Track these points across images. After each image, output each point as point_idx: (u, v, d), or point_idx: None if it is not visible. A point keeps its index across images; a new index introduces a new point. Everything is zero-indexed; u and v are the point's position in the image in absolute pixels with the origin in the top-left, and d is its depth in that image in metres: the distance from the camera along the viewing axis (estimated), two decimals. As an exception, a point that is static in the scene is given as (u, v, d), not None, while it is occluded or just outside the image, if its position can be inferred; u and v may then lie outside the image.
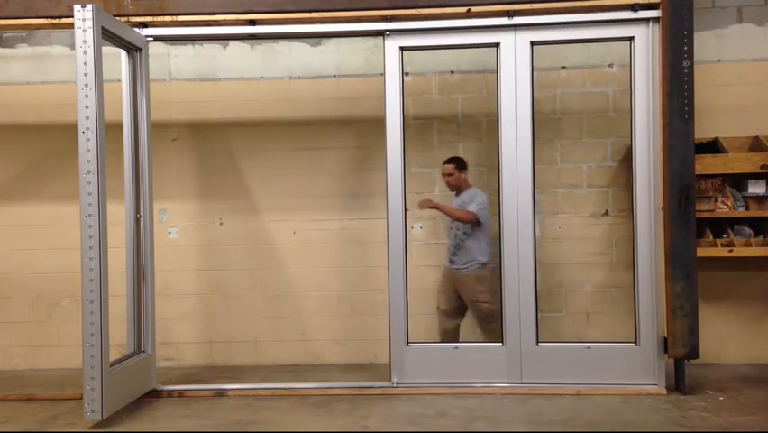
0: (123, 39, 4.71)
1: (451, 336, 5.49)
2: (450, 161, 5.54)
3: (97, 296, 4.21)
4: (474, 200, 5.39)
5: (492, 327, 5.27)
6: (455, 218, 5.41)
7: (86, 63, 4.25)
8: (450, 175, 5.49)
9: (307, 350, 5.85)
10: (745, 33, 5.72)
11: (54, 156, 6.00)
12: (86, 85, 4.23)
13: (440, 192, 5.87)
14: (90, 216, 4.21)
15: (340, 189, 5.90)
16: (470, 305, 5.45)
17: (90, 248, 4.21)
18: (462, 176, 5.51)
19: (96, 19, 4.26)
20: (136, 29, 4.88)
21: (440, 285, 5.62)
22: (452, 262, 5.47)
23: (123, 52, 4.86)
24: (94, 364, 4.19)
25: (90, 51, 4.24)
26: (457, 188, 5.54)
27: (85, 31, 4.25)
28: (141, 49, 4.90)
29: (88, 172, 4.22)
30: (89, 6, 4.26)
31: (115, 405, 4.40)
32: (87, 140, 4.22)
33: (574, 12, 4.81)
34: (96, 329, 4.20)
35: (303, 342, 5.85)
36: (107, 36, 4.51)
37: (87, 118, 4.22)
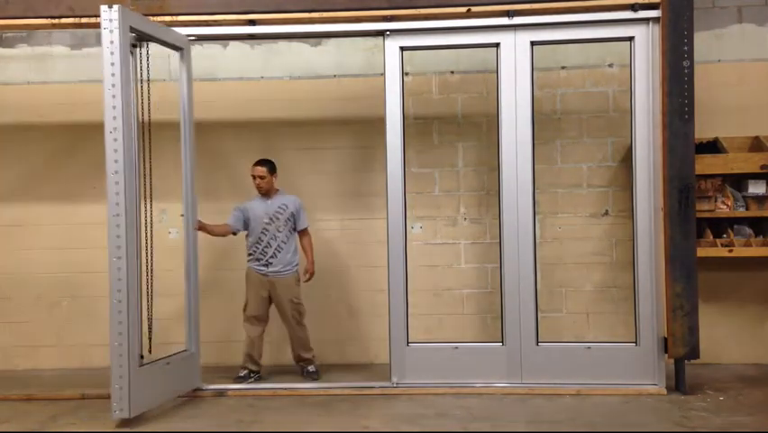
0: (159, 39, 4.73)
1: (256, 342, 5.33)
2: (261, 162, 5.32)
3: (125, 295, 4.25)
4: (299, 212, 5.36)
5: (304, 328, 5.33)
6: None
7: (113, 64, 4.30)
8: (262, 178, 5.30)
9: (307, 350, 5.85)
10: (745, 33, 5.72)
11: (54, 156, 6.00)
12: (114, 85, 4.29)
13: (440, 192, 5.87)
14: (118, 215, 4.25)
15: (340, 189, 5.90)
16: (288, 305, 5.30)
17: (118, 247, 4.25)
18: (274, 179, 5.36)
19: (122, 19, 4.32)
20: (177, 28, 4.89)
21: (251, 292, 5.33)
22: (267, 265, 5.29)
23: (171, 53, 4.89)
24: (122, 363, 4.23)
25: (117, 52, 4.29)
26: (267, 193, 5.36)
27: (111, 31, 4.30)
28: (182, 48, 4.90)
29: (116, 172, 4.26)
30: (116, 7, 4.30)
31: (146, 404, 4.42)
32: (115, 140, 4.27)
33: (574, 12, 4.81)
34: (124, 328, 4.24)
35: (303, 342, 5.85)
36: (142, 36, 4.58)
37: (115, 118, 4.28)
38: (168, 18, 4.88)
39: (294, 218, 5.37)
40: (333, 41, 5.89)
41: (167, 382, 4.66)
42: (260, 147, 5.85)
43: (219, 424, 4.33)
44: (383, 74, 4.97)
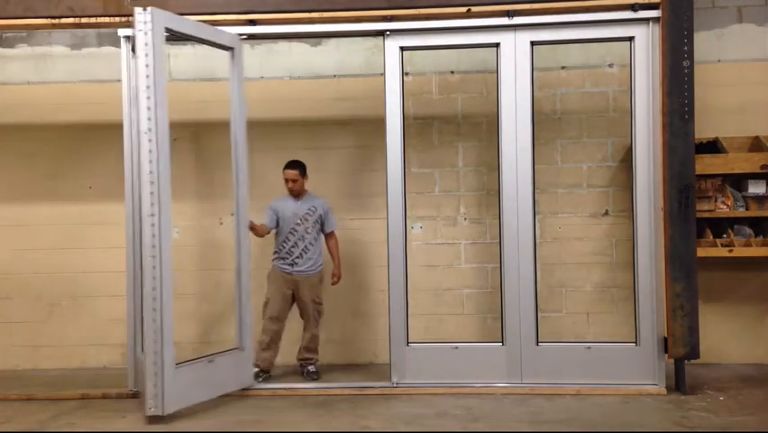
0: (204, 39, 4.78)
1: (274, 342, 5.32)
2: (293, 165, 5.34)
3: (159, 294, 4.33)
4: (328, 214, 5.41)
5: (319, 328, 5.40)
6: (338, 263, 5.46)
7: (147, 66, 4.35)
8: (294, 181, 5.33)
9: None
10: (745, 33, 5.72)
11: (54, 156, 6.01)
12: (148, 87, 4.34)
13: (440, 192, 5.87)
14: (153, 215, 4.35)
15: (340, 189, 5.90)
16: (311, 305, 5.34)
17: (153, 247, 4.34)
18: (305, 181, 5.40)
19: (156, 21, 4.37)
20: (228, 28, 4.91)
21: (274, 292, 5.33)
22: (292, 264, 5.31)
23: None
24: (156, 361, 4.32)
25: (152, 54, 4.34)
26: (299, 195, 5.39)
27: (146, 33, 4.35)
28: (233, 48, 4.91)
29: (150, 173, 4.35)
30: (150, 9, 4.35)
31: (184, 401, 4.47)
32: (150, 141, 4.34)
33: (574, 12, 4.81)
34: (158, 327, 4.32)
35: (303, 342, 5.85)
36: (181, 37, 4.64)
37: (150, 119, 4.34)
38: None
39: (322, 220, 5.41)
40: (333, 41, 5.89)
41: (210, 380, 4.69)
42: (260, 147, 5.85)
43: (219, 424, 4.33)
44: (383, 74, 4.97)
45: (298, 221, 5.33)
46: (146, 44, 4.35)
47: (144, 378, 4.40)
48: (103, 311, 5.95)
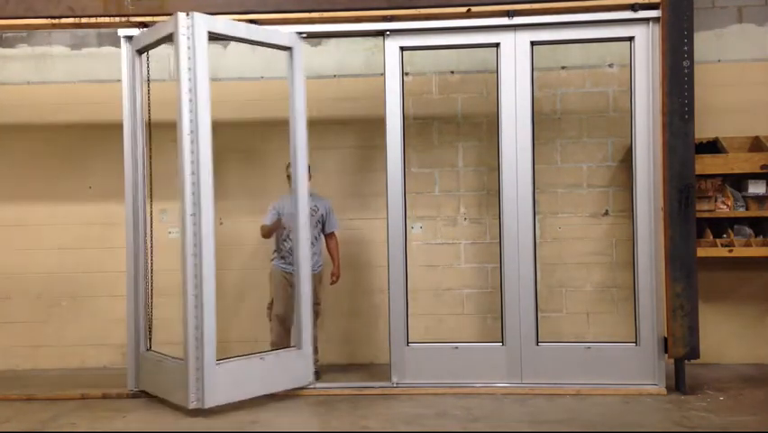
0: (256, 41, 4.84)
1: (285, 342, 5.28)
2: None
3: (200, 291, 4.44)
4: (330, 214, 5.41)
5: (316, 328, 5.33)
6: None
7: (190, 69, 4.48)
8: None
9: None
10: (745, 33, 5.72)
11: (54, 156, 6.01)
12: (190, 90, 4.48)
13: (440, 192, 5.87)
14: (194, 215, 4.46)
15: (340, 189, 5.90)
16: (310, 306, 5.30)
17: (195, 245, 4.44)
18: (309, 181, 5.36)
19: (197, 26, 4.48)
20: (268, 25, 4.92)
21: (278, 291, 5.35)
22: (293, 264, 5.21)
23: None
24: (198, 356, 4.44)
25: (194, 57, 4.47)
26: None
27: (189, 38, 4.47)
28: (291, 47, 4.92)
29: (192, 174, 4.47)
30: (193, 14, 4.47)
31: (226, 397, 4.55)
32: (192, 142, 4.47)
33: (574, 12, 4.81)
34: (200, 323, 4.43)
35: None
36: (225, 38, 4.78)
37: (192, 122, 4.47)
38: (168, 18, 4.86)
39: (323, 220, 5.41)
40: (333, 41, 5.89)
41: (260, 377, 4.73)
42: (260, 147, 5.86)
43: (219, 425, 4.33)
44: (383, 74, 4.97)
45: None
46: (188, 48, 4.47)
47: (187, 371, 4.45)
48: (103, 311, 5.95)
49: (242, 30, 4.73)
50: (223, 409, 4.53)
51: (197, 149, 4.47)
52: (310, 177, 5.40)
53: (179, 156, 4.51)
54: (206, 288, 4.47)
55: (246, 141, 5.92)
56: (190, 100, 4.47)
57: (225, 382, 4.54)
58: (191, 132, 4.47)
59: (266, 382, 4.76)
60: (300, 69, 4.96)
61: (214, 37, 4.63)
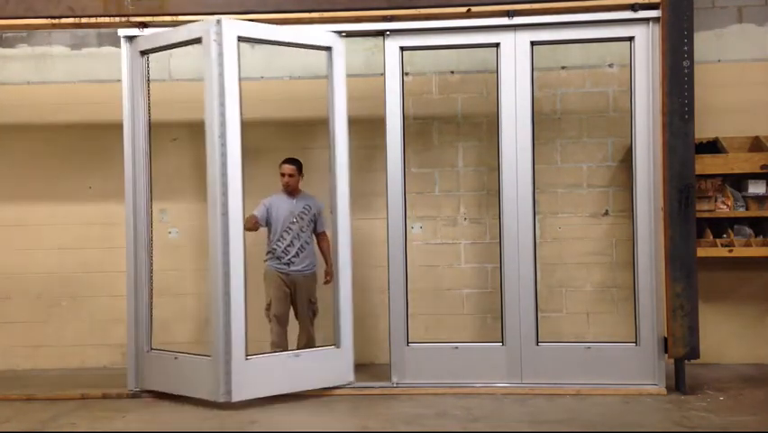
0: (289, 43, 4.89)
1: (285, 342, 5.32)
2: (291, 161, 5.36)
3: (229, 287, 4.61)
4: (321, 213, 5.43)
5: (313, 328, 5.41)
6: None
7: (221, 75, 4.58)
8: (291, 176, 5.33)
9: (307, 350, 5.84)
10: (745, 33, 5.72)
11: (54, 156, 6.00)
12: (221, 94, 4.60)
13: (440, 192, 5.87)
14: (224, 214, 4.60)
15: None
16: (306, 304, 5.39)
17: (225, 244, 4.60)
18: (300, 179, 5.42)
19: (227, 32, 4.59)
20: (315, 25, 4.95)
21: (275, 292, 5.32)
22: (289, 264, 5.30)
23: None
24: (228, 351, 4.58)
25: (224, 62, 4.58)
26: (293, 192, 5.39)
27: (220, 44, 4.58)
28: (330, 47, 4.94)
29: (223, 175, 4.61)
30: (223, 22, 4.57)
31: (256, 391, 4.66)
32: (222, 145, 4.61)
33: (574, 12, 4.81)
34: (228, 320, 4.58)
35: (303, 342, 5.84)
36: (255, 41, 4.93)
37: (222, 125, 4.61)
38: (168, 18, 4.87)
39: (316, 220, 5.42)
40: (333, 41, 5.88)
41: (295, 374, 4.80)
42: (260, 147, 5.85)
43: (221, 425, 4.33)
44: (383, 74, 4.97)
45: (294, 219, 5.33)
46: (220, 54, 4.59)
47: (216, 365, 4.59)
48: (103, 311, 5.95)
49: (277, 33, 4.82)
50: (251, 403, 4.61)
51: (226, 152, 4.60)
52: (302, 176, 5.42)
53: (209, 159, 4.63)
54: (234, 283, 4.61)
55: (247, 141, 5.91)
56: (220, 104, 4.58)
57: (257, 377, 4.65)
58: (221, 135, 4.60)
59: (297, 379, 4.80)
60: (340, 67, 4.98)
61: (245, 40, 4.74)
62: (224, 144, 4.60)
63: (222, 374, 4.56)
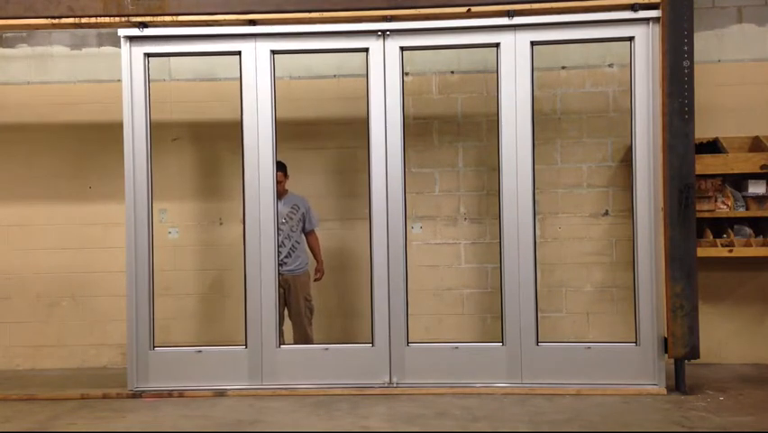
0: (333, 49, 5.11)
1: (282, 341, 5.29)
2: (279, 167, 5.26)
3: (263, 284, 4.89)
4: (309, 211, 5.50)
5: (311, 327, 5.47)
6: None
7: (256, 87, 4.93)
8: (280, 183, 5.28)
9: (307, 350, 5.84)
10: (745, 33, 5.72)
11: (54, 156, 6.00)
12: (256, 99, 4.96)
13: (440, 192, 5.87)
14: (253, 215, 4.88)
15: (340, 189, 5.90)
16: (302, 303, 5.45)
17: (257, 242, 4.86)
18: (286, 181, 5.47)
19: (259, 46, 4.92)
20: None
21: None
22: (281, 265, 5.27)
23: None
24: (263, 342, 4.89)
25: (262, 75, 4.94)
26: (281, 194, 5.37)
27: (256, 59, 4.94)
28: (367, 48, 4.96)
29: (251, 175, 4.89)
30: (255, 42, 4.90)
31: (287, 379, 4.95)
32: (258, 154, 4.91)
33: (574, 12, 4.80)
34: (259, 316, 4.90)
35: (303, 342, 5.84)
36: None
37: (256, 127, 4.93)
38: (168, 18, 4.87)
39: (304, 219, 5.47)
40: (333, 41, 5.88)
41: (321, 368, 4.96)
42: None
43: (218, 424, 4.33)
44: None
45: (283, 220, 5.38)
46: (255, 69, 4.94)
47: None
48: (103, 311, 5.95)
49: (313, 44, 5.03)
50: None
51: (258, 160, 4.92)
52: (287, 176, 5.45)
53: (245, 165, 4.94)
54: (265, 276, 4.89)
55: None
56: (257, 110, 4.91)
57: (286, 366, 4.91)
58: (251, 141, 4.91)
59: (330, 374, 4.93)
60: (379, 66, 4.99)
61: (279, 53, 5.02)
62: (259, 147, 4.94)
63: (255, 363, 4.89)
